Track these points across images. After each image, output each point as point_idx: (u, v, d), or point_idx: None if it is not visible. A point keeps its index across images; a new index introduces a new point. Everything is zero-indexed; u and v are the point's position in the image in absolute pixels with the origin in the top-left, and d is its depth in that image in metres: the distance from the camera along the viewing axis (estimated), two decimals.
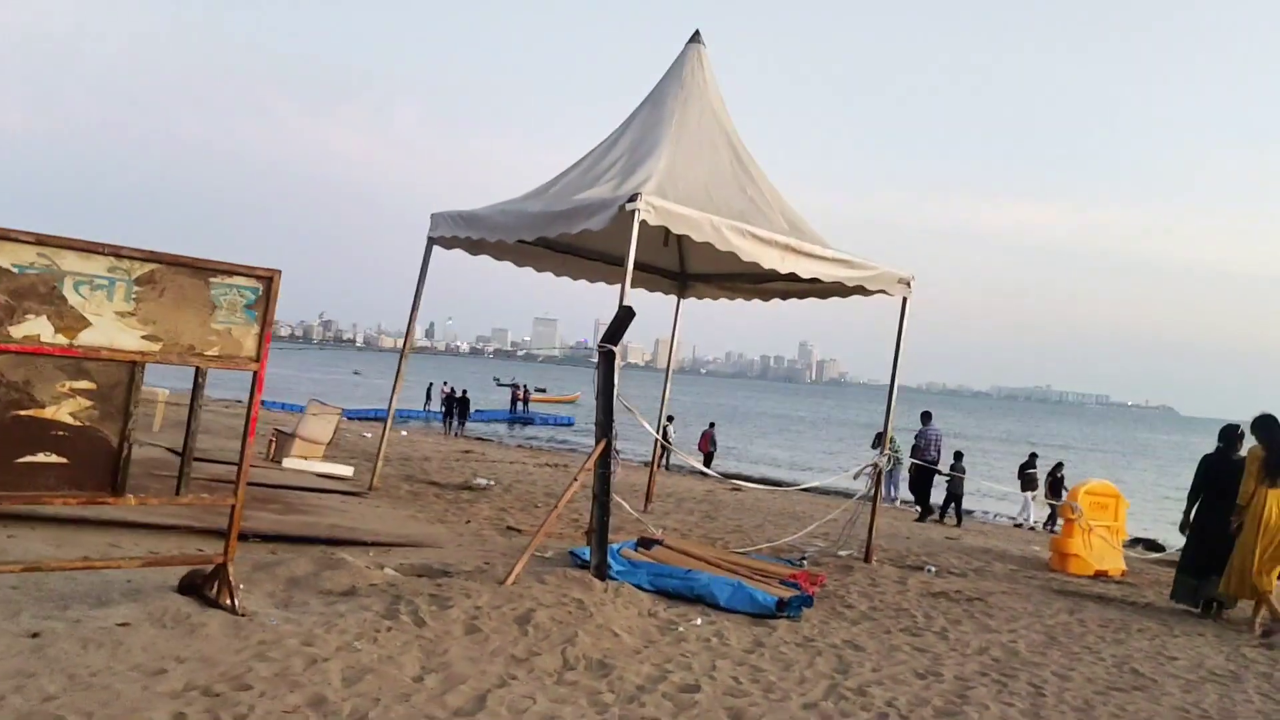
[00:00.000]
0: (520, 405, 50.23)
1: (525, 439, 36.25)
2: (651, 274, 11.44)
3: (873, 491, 9.53)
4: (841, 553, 9.62)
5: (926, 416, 17.24)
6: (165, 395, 12.13)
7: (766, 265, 8.35)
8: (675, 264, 11.47)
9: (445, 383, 40.86)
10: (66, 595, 4.86)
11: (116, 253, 4.40)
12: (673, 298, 11.70)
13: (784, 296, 10.78)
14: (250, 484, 8.36)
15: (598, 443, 6.71)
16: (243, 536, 6.55)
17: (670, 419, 29.80)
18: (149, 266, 4.49)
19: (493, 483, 12.19)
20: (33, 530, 6.13)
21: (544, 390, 78.22)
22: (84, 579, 5.17)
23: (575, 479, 6.67)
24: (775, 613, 6.32)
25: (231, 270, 4.74)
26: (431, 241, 9.95)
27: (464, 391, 35.38)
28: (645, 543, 7.62)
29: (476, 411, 47.06)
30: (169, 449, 9.85)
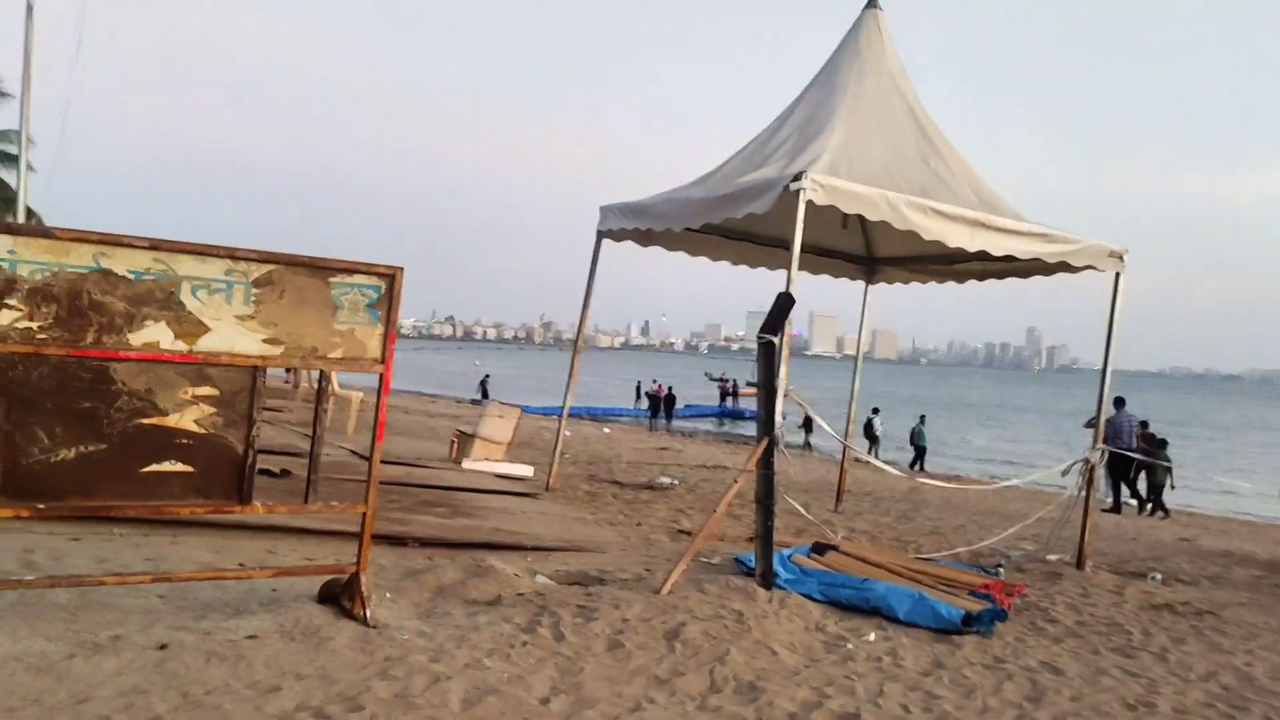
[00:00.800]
0: (729, 400, 49.75)
1: (728, 435, 35.88)
2: (835, 259, 10.81)
3: (1084, 489, 8.57)
4: (1050, 558, 8.73)
5: (1119, 402, 16.30)
6: (360, 397, 12.47)
7: (952, 243, 7.62)
8: (861, 248, 10.79)
9: (654, 380, 41.08)
10: (208, 604, 4.82)
11: (232, 255, 4.30)
12: (859, 284, 11.00)
13: (980, 277, 9.91)
14: (421, 486, 8.45)
15: (759, 441, 6.25)
16: (402, 541, 6.49)
17: (876, 411, 28.72)
18: (266, 268, 4.37)
19: (676, 482, 11.86)
20: (198, 536, 6.24)
21: (754, 384, 77.36)
22: (231, 586, 5.15)
23: (736, 481, 6.23)
24: (961, 628, 5.64)
25: (351, 269, 4.57)
26: (601, 235, 9.72)
27: (669, 388, 35.38)
28: (820, 548, 7.07)
29: (686, 406, 47.18)
30: (354, 451, 10.05)
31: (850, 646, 5.20)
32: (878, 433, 28.01)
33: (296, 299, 4.45)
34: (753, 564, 6.38)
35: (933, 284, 10.45)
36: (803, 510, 8.82)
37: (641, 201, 9.05)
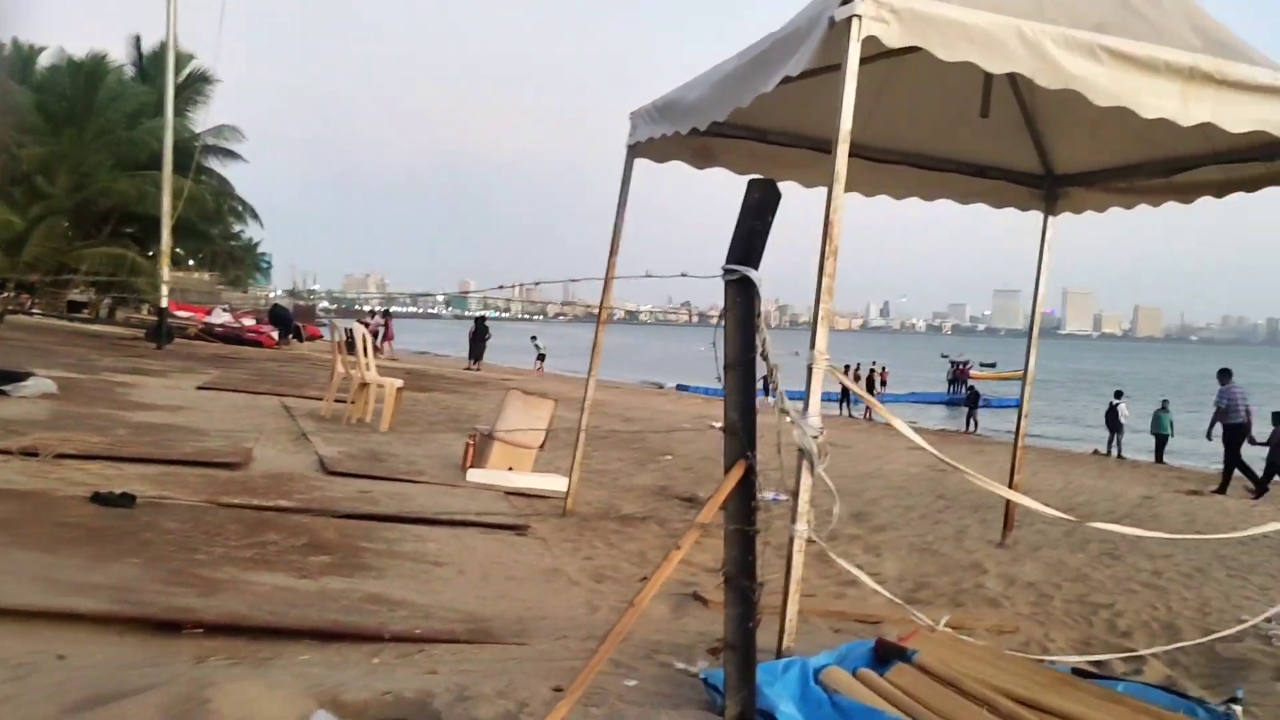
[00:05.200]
0: (959, 385, 44.74)
1: (940, 422, 31.77)
2: (995, 179, 7.47)
3: None
4: None
5: (1225, 374, 15.67)
6: (397, 386, 10.14)
7: (1151, 110, 4.31)
8: (1034, 162, 7.38)
9: (873, 362, 37.48)
10: None
11: None
12: (1037, 215, 7.57)
13: (1219, 191, 6.30)
14: (346, 516, 5.85)
15: (729, 464, 3.30)
16: (176, 625, 3.97)
17: (1119, 395, 24.09)
18: None
19: (783, 498, 8.79)
20: None
21: (993, 365, 70.24)
22: None
23: (679, 546, 3.31)
24: None
25: None
26: (632, 151, 6.87)
27: (870, 370, 31.75)
28: (886, 653, 3.95)
29: (911, 394, 42.98)
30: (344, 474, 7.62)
31: None
32: (1122, 420, 23.57)
33: None
34: (723, 688, 3.42)
35: (1143, 208, 6.89)
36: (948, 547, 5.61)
37: (673, 93, 6.15)
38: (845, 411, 29.48)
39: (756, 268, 3.32)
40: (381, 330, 31.55)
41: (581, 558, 5.81)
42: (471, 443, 7.90)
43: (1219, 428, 15.57)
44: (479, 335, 31.68)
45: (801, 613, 5.29)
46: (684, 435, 13.89)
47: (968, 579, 6.32)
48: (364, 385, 9.92)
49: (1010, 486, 7.76)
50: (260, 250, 60.62)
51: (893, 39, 4.10)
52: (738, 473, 3.32)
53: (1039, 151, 7.24)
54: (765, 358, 3.57)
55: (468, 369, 29.60)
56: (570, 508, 6.98)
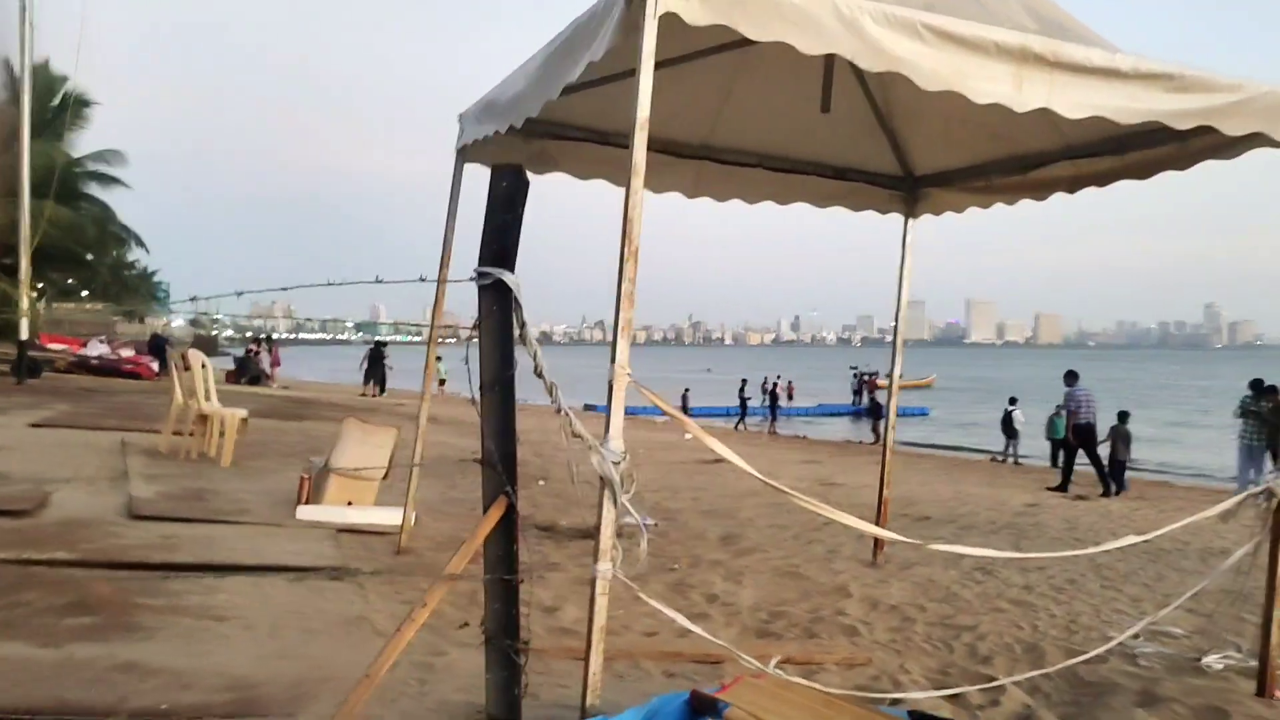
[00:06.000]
0: (864, 396, 44.98)
1: (846, 434, 31.81)
2: (854, 181, 7.14)
3: (1269, 537, 4.69)
4: (1210, 661, 4.94)
5: (1072, 377, 16.18)
6: (240, 418, 9.43)
7: (984, 96, 3.95)
8: (893, 164, 7.08)
9: (778, 376, 37.38)
10: None
11: None
12: (897, 219, 7.26)
13: (1071, 187, 6.01)
14: (134, 567, 5.22)
15: (487, 503, 2.80)
16: None
17: (1014, 401, 24.25)
18: None
19: (652, 523, 8.34)
20: None
21: (900, 376, 71.52)
22: None
23: (425, 603, 2.81)
24: None
25: None
26: (461, 155, 6.36)
27: (775, 383, 31.61)
28: (700, 706, 3.49)
29: (819, 405, 43.14)
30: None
31: None
32: (1018, 426, 23.72)
33: None
34: None
35: (1001, 206, 6.60)
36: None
37: (493, 90, 5.66)
38: (740, 426, 29.29)
39: (512, 269, 2.84)
40: (267, 358, 30.43)
41: (399, 602, 5.24)
42: (306, 477, 7.26)
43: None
44: (375, 360, 30.77)
45: (632, 656, 4.84)
46: (567, 458, 13.35)
47: (829, 605, 5.92)
48: (203, 417, 9.20)
49: (880, 497, 7.44)
50: (156, 279, 58.50)
51: (695, 16, 3.66)
52: (496, 512, 2.85)
53: (896, 152, 6.93)
54: (540, 374, 3.10)
55: (363, 395, 28.73)
56: (405, 545, 6.41)
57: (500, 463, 2.78)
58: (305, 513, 6.87)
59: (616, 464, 3.58)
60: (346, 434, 7.28)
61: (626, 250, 3.62)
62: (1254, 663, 4.66)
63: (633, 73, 5.71)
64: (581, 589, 4.65)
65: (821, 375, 69.23)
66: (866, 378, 48.46)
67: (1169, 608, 5.25)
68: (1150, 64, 4.17)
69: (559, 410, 3.39)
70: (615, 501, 3.60)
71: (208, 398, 9.26)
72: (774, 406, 30.71)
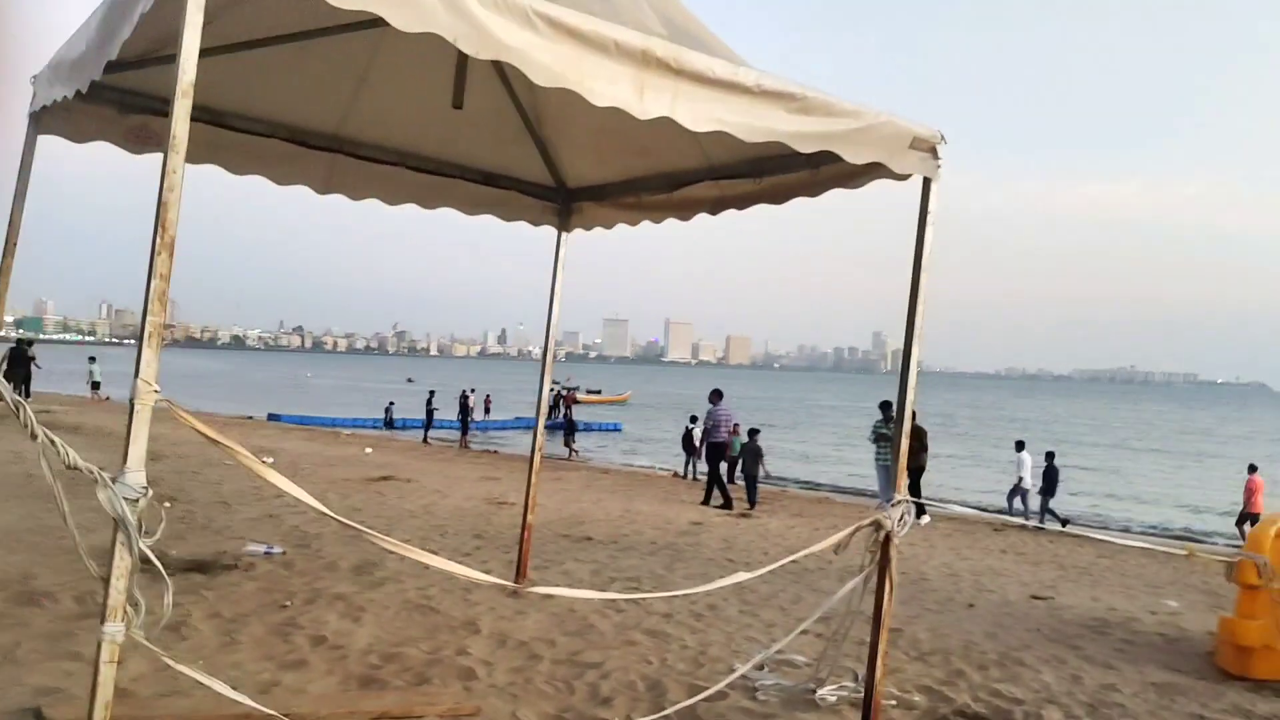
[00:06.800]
0: (560, 411, 45.04)
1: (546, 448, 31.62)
2: (508, 190, 6.76)
3: (872, 568, 4.68)
4: (827, 695, 4.89)
5: (716, 395, 17.08)
6: None
7: (603, 99, 3.61)
8: (546, 174, 6.76)
9: (471, 389, 36.57)
10: None
11: None
12: (550, 232, 6.95)
13: (714, 208, 5.91)
14: None
15: None
16: None
17: (694, 419, 24.98)
18: None
19: (278, 551, 7.56)
20: None
21: (598, 391, 73.20)
22: None
23: None
24: None
25: None
26: (34, 121, 5.36)
27: (467, 397, 30.93)
28: None
29: (516, 419, 42.75)
30: None
31: None
32: (696, 444, 24.44)
33: None
34: None
35: (647, 224, 6.41)
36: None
37: (64, 45, 4.78)
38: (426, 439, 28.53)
39: None
40: None
41: None
42: None
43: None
44: (16, 361, 27.33)
45: None
46: (219, 473, 12.21)
47: (453, 643, 5.44)
48: None
49: (524, 518, 7.09)
50: None
51: None
52: None
53: (547, 162, 6.61)
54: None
55: None
56: None
57: None
58: None
59: (134, 501, 2.95)
60: None
61: (159, 241, 3.00)
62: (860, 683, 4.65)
63: (253, 43, 5.01)
64: (164, 635, 3.89)
65: (526, 389, 69.35)
66: (565, 393, 48.77)
67: (790, 635, 5.17)
68: (774, 81, 4.01)
69: (34, 437, 2.72)
70: (131, 548, 2.96)
71: None
72: (465, 419, 30.02)
